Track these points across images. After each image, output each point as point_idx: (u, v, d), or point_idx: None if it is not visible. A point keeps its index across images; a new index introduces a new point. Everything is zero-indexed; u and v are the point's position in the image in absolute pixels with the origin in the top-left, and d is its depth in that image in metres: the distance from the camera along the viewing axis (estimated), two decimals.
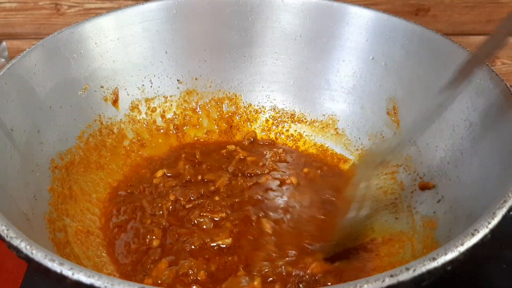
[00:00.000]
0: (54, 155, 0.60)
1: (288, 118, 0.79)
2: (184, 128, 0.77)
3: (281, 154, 0.73)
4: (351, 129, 0.74)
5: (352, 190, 0.54)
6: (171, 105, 0.76)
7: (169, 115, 0.76)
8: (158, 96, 0.75)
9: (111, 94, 0.70)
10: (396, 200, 0.65)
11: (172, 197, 0.63)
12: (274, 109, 0.79)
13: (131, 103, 0.73)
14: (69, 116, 0.64)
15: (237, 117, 0.79)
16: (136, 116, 0.73)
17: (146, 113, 0.74)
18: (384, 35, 0.69)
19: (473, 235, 0.38)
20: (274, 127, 0.79)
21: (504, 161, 0.48)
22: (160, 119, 0.76)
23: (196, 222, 0.60)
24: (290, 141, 0.78)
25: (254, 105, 0.79)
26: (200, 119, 0.78)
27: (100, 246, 0.57)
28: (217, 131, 0.78)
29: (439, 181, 0.59)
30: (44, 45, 0.62)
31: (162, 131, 0.75)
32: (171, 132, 0.76)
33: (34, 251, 0.36)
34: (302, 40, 0.75)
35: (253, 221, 0.60)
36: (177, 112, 0.77)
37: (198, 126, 0.78)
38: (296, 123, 0.78)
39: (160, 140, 0.75)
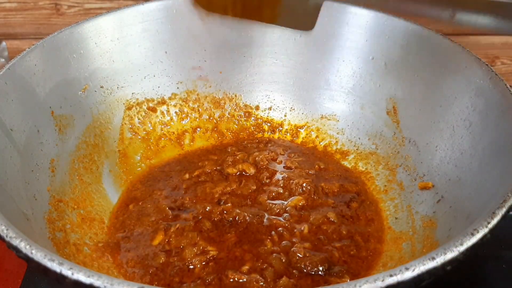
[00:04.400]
0: (54, 155, 0.60)
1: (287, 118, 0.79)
2: (184, 128, 0.77)
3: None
4: (351, 129, 0.74)
5: None
6: (171, 105, 0.76)
7: (168, 116, 0.76)
8: (158, 96, 0.75)
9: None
10: (396, 200, 0.65)
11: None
12: (274, 109, 0.80)
13: (131, 103, 0.73)
14: (69, 116, 0.64)
15: (236, 117, 0.79)
16: (136, 116, 0.73)
17: (146, 113, 0.74)
18: (384, 35, 0.69)
19: (472, 235, 0.38)
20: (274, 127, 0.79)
21: (504, 161, 0.48)
22: (160, 119, 0.76)
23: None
24: (289, 139, 0.78)
25: (254, 105, 0.79)
26: (200, 119, 0.78)
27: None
28: (217, 131, 0.78)
29: (439, 181, 0.59)
30: (44, 45, 0.62)
31: (162, 131, 0.75)
32: (171, 132, 0.76)
33: (33, 251, 0.36)
34: (302, 40, 0.75)
35: None
36: (177, 112, 0.77)
37: (198, 128, 0.78)
38: (296, 123, 0.78)
39: (161, 143, 0.75)
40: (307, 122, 0.78)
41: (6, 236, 0.38)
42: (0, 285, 0.58)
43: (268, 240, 0.59)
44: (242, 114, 0.79)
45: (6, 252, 0.38)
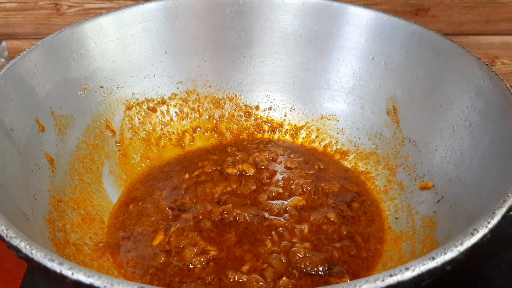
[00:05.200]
0: (54, 155, 0.60)
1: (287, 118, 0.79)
2: (184, 128, 0.77)
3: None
4: (351, 129, 0.74)
5: None
6: (171, 105, 0.76)
7: (168, 116, 0.76)
8: (158, 96, 0.75)
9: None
10: (396, 200, 0.65)
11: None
12: (274, 109, 0.80)
13: (131, 103, 0.73)
14: (69, 116, 0.64)
15: (236, 117, 0.79)
16: (136, 116, 0.73)
17: (146, 113, 0.74)
18: (384, 35, 0.69)
19: (472, 234, 0.38)
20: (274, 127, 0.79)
21: (504, 161, 0.48)
22: (160, 119, 0.76)
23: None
24: (289, 139, 0.78)
25: (254, 105, 0.79)
26: (200, 119, 0.78)
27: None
28: (217, 132, 0.78)
29: (439, 181, 0.59)
30: (44, 45, 0.62)
31: (162, 131, 0.75)
32: (172, 133, 0.76)
33: (33, 251, 0.36)
34: (302, 40, 0.75)
35: None
36: (177, 112, 0.77)
37: (198, 128, 0.78)
38: (296, 123, 0.78)
39: (161, 143, 0.75)
40: (307, 122, 0.78)
41: (6, 236, 0.38)
42: (0, 285, 0.58)
43: (268, 240, 0.59)
44: (242, 114, 0.79)
45: (6, 252, 0.38)
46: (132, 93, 0.73)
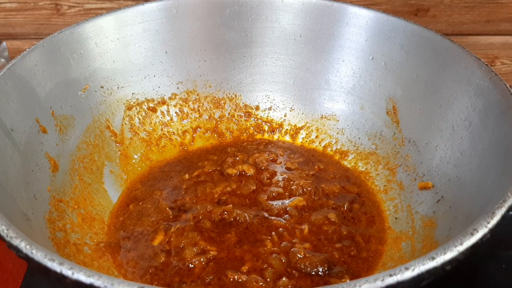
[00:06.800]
0: (55, 155, 0.60)
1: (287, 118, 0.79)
2: (184, 128, 0.77)
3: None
4: (351, 129, 0.74)
5: None
6: (171, 105, 0.76)
7: (169, 116, 0.76)
8: (158, 96, 0.75)
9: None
10: (395, 200, 0.65)
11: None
12: (274, 109, 0.80)
13: (131, 103, 0.73)
14: (69, 116, 0.64)
15: (236, 117, 0.79)
16: (136, 116, 0.73)
17: (146, 113, 0.74)
18: (384, 35, 0.70)
19: (472, 234, 0.38)
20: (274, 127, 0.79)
21: (504, 161, 0.48)
22: (160, 119, 0.76)
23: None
24: (289, 140, 0.78)
25: (254, 105, 0.79)
26: (200, 119, 0.78)
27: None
28: (217, 132, 0.78)
29: (439, 181, 0.59)
30: (44, 45, 0.62)
31: (162, 131, 0.75)
32: (172, 133, 0.76)
33: (34, 251, 0.36)
34: (302, 40, 0.75)
35: None
36: (177, 112, 0.77)
37: (198, 128, 0.78)
38: (296, 123, 0.78)
39: (162, 143, 0.75)
40: (307, 122, 0.78)
41: (7, 236, 0.38)
42: (0, 285, 0.58)
43: (268, 240, 0.59)
44: (242, 114, 0.79)
45: (6, 252, 0.38)
46: (132, 93, 0.73)
